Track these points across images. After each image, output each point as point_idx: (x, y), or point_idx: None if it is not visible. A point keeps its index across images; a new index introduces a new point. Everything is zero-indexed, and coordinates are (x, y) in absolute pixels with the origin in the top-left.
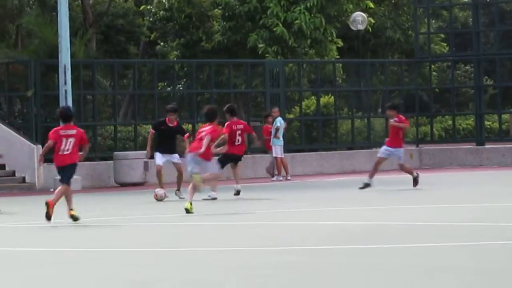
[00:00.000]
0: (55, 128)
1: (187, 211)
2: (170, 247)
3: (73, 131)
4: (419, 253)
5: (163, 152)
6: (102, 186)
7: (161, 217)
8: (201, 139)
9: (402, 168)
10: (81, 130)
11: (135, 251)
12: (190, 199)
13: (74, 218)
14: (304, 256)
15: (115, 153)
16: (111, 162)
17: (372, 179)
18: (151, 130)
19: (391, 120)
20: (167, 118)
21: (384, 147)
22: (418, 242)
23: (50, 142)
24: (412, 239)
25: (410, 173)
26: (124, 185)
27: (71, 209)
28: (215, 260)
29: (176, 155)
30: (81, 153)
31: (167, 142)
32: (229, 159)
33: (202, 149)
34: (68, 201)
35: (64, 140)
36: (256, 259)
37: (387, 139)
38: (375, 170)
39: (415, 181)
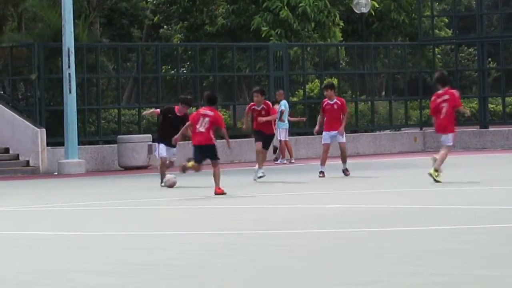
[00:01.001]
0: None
1: (434, 177)
2: (172, 231)
3: (211, 113)
4: (421, 236)
5: (166, 144)
6: (106, 170)
7: (163, 201)
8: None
9: (343, 148)
10: (219, 115)
11: (138, 234)
12: (438, 167)
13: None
14: (306, 239)
15: (119, 136)
16: (115, 145)
17: (324, 166)
18: (157, 111)
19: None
20: (177, 107)
21: (325, 133)
22: (421, 226)
23: (189, 123)
24: (416, 222)
25: (344, 160)
26: (128, 169)
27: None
28: (216, 244)
29: (174, 150)
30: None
31: (170, 131)
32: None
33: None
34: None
35: (201, 118)
36: (256, 243)
37: (325, 125)
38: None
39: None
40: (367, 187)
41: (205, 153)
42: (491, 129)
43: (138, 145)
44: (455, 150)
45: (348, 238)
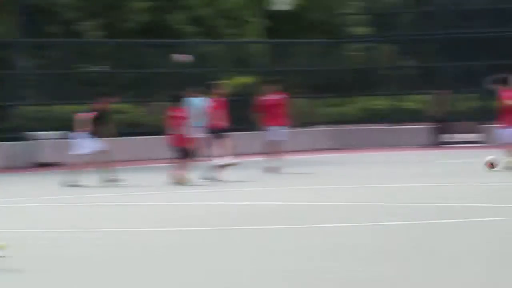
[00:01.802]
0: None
1: None
2: (85, 228)
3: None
4: (347, 232)
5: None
6: (17, 167)
7: (77, 198)
8: None
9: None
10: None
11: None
12: None
13: None
14: (213, 237)
15: (30, 133)
16: (26, 142)
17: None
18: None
19: None
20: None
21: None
22: (343, 222)
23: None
24: (338, 219)
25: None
26: (39, 166)
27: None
28: (137, 241)
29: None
30: None
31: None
32: None
33: None
34: None
35: None
36: (157, 240)
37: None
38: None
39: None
40: (293, 184)
41: None
42: (403, 126)
43: (50, 142)
44: (368, 147)
45: (272, 235)
